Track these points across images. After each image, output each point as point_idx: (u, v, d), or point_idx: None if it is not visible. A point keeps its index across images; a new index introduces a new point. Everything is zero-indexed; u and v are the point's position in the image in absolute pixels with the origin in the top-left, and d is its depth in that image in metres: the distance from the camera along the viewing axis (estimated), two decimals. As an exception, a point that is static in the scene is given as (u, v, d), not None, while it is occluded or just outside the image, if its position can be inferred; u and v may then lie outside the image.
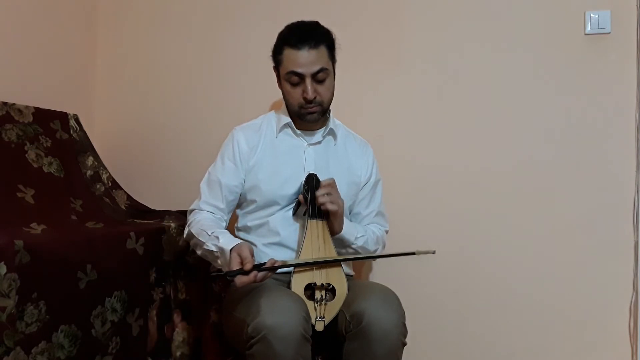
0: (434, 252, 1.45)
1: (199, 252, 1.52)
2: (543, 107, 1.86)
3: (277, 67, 1.58)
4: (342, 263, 1.50)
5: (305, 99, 1.52)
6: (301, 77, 1.51)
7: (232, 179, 1.59)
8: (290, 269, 1.44)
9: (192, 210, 1.61)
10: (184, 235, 1.61)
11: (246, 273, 1.29)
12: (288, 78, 1.52)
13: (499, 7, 1.90)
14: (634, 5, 1.80)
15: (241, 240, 1.40)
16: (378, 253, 1.70)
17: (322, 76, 1.52)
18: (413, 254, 1.44)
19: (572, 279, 1.83)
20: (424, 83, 1.96)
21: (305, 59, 1.49)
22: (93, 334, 1.45)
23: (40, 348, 1.31)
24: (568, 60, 1.84)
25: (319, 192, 1.48)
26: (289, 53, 1.51)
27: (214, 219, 1.56)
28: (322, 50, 1.52)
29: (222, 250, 1.39)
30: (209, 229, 1.47)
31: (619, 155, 1.80)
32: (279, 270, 1.51)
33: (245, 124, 1.68)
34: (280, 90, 1.61)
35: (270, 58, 1.58)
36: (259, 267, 1.32)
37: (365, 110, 1.99)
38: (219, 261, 1.43)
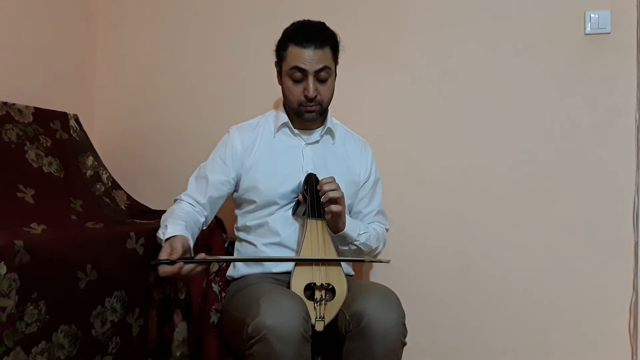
0: (388, 262, 1.52)
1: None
2: (543, 107, 1.86)
3: (279, 63, 1.58)
4: (342, 263, 1.50)
5: (306, 96, 1.52)
6: (304, 73, 1.51)
7: (220, 176, 1.60)
8: (290, 268, 1.44)
9: (175, 200, 1.63)
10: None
11: (172, 263, 1.30)
12: (291, 74, 1.53)
13: (498, 7, 1.90)
14: (634, 5, 1.80)
15: (182, 233, 1.40)
16: (379, 250, 1.70)
17: (325, 75, 1.53)
18: (363, 260, 1.58)
19: (572, 278, 1.83)
20: (424, 83, 1.96)
21: (310, 57, 1.50)
22: (93, 334, 1.45)
23: (40, 348, 1.31)
24: (568, 60, 1.84)
25: (326, 187, 1.48)
26: (293, 50, 1.51)
27: (189, 210, 1.57)
28: (327, 52, 1.53)
29: (161, 240, 1.41)
30: (170, 217, 1.48)
31: (619, 155, 1.80)
32: (280, 270, 1.52)
33: (241, 123, 1.68)
34: (274, 92, 1.61)
35: (273, 53, 1.59)
36: (186, 259, 1.33)
37: (366, 109, 1.99)
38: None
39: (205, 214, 1.60)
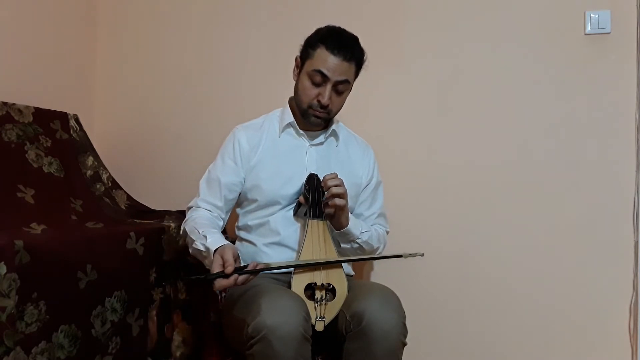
0: (422, 255, 1.44)
1: (190, 250, 1.52)
2: (543, 107, 1.86)
3: (302, 59, 1.56)
4: (342, 263, 1.49)
5: (319, 102, 1.52)
6: (325, 79, 1.50)
7: (232, 178, 1.59)
8: (290, 269, 1.44)
9: (190, 208, 1.62)
10: (180, 232, 1.61)
11: (227, 276, 1.29)
12: (311, 75, 1.52)
13: (499, 7, 1.90)
14: (634, 5, 1.80)
15: (227, 242, 1.40)
16: (380, 251, 1.70)
17: (342, 88, 1.53)
18: (400, 256, 1.44)
19: (572, 279, 1.83)
20: (424, 83, 1.96)
21: (336, 66, 1.49)
22: (93, 334, 1.45)
23: (40, 348, 1.31)
24: (568, 60, 1.84)
25: (330, 183, 1.48)
26: (322, 53, 1.50)
27: (210, 217, 1.57)
28: (352, 67, 1.53)
29: (208, 250, 1.40)
30: (200, 227, 1.47)
31: (619, 155, 1.81)
32: (279, 270, 1.52)
33: (246, 123, 1.68)
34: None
35: (300, 46, 1.56)
36: (240, 270, 1.31)
37: (366, 110, 1.98)
38: (206, 261, 1.43)
39: (222, 216, 1.61)
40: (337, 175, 1.51)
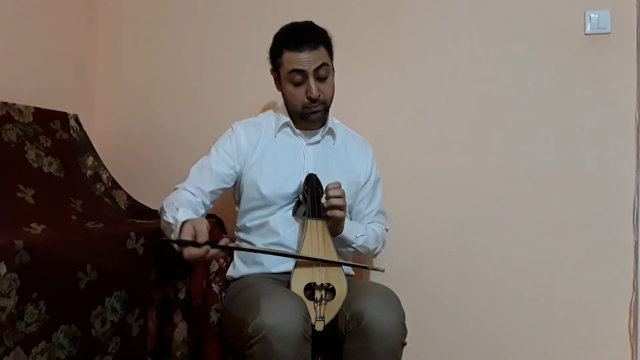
0: (383, 271, 1.50)
1: (161, 224, 1.48)
2: (543, 107, 1.86)
3: (276, 70, 1.58)
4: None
5: (310, 98, 1.52)
6: (304, 74, 1.51)
7: (224, 169, 1.59)
8: (290, 268, 1.44)
9: (176, 188, 1.60)
10: (159, 210, 1.56)
11: (199, 246, 1.25)
12: (291, 78, 1.53)
13: (499, 7, 1.90)
14: (634, 5, 1.80)
15: (200, 218, 1.38)
16: (378, 251, 1.70)
17: (324, 73, 1.53)
18: (366, 267, 1.60)
19: (572, 279, 1.82)
20: (423, 83, 1.96)
21: (307, 59, 1.50)
22: (93, 334, 1.45)
23: (40, 348, 1.31)
24: (568, 60, 1.84)
25: (331, 193, 1.48)
26: (289, 56, 1.51)
27: (192, 200, 1.54)
28: (322, 50, 1.54)
29: (176, 221, 1.35)
30: (176, 202, 1.45)
31: (619, 155, 1.80)
32: (279, 270, 1.52)
33: (244, 120, 1.68)
34: (274, 93, 1.61)
35: (268, 61, 1.59)
36: (212, 244, 1.26)
37: (365, 110, 1.98)
38: (172, 235, 1.38)
39: (206, 204, 1.58)
40: (340, 186, 1.50)
